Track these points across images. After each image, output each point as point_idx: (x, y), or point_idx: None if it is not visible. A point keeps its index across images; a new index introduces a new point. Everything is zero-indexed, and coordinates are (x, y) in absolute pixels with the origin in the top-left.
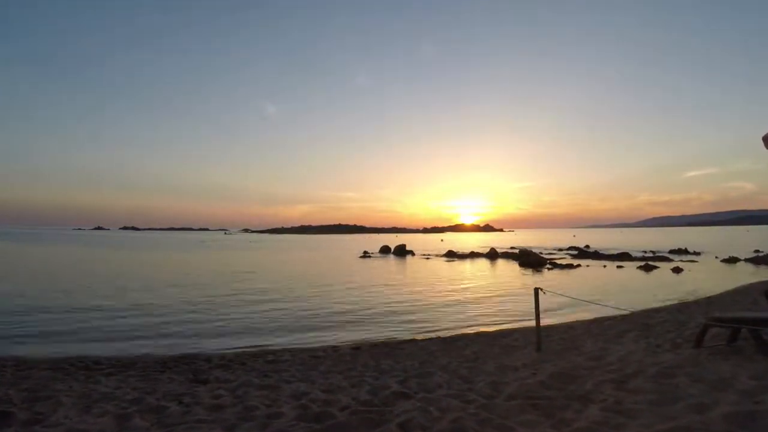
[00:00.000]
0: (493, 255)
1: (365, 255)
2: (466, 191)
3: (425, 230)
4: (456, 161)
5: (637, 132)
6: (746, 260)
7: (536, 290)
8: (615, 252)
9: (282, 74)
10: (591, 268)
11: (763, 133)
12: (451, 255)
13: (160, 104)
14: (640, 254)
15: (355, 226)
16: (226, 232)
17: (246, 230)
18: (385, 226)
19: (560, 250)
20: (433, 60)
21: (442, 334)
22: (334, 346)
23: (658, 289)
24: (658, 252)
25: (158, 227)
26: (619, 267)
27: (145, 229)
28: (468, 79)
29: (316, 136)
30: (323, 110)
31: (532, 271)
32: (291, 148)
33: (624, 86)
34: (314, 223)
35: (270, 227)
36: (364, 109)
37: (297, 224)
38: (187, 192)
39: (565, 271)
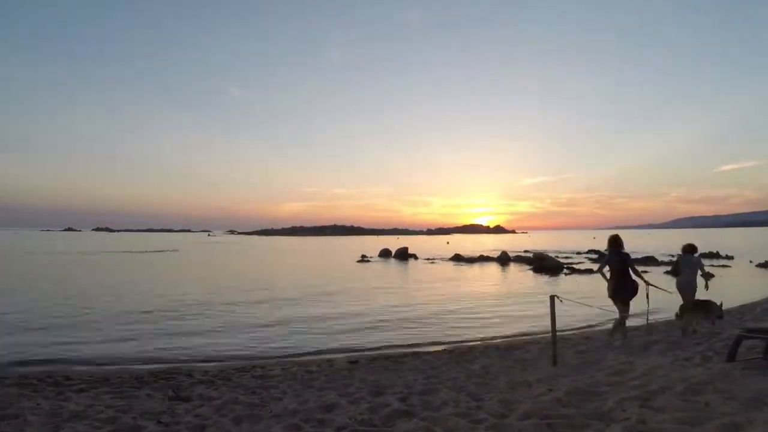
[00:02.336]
0: (504, 259)
1: (363, 259)
2: (474, 187)
3: (429, 232)
4: (461, 153)
5: (668, 121)
6: None
7: (552, 298)
8: (640, 256)
9: (250, 51)
10: None
11: None
12: (457, 259)
13: (135, 90)
14: (667, 258)
15: (351, 227)
16: (210, 233)
17: (232, 231)
18: (385, 227)
19: (579, 253)
20: (429, 34)
21: (447, 346)
22: (329, 360)
23: None
24: None
25: (135, 228)
26: (644, 272)
27: (120, 231)
28: (472, 56)
29: (305, 125)
30: (309, 94)
31: (548, 277)
32: (274, 137)
33: (651, 67)
34: (306, 224)
35: (258, 228)
36: (351, 96)
37: (287, 225)
38: (167, 188)
39: (584, 277)
